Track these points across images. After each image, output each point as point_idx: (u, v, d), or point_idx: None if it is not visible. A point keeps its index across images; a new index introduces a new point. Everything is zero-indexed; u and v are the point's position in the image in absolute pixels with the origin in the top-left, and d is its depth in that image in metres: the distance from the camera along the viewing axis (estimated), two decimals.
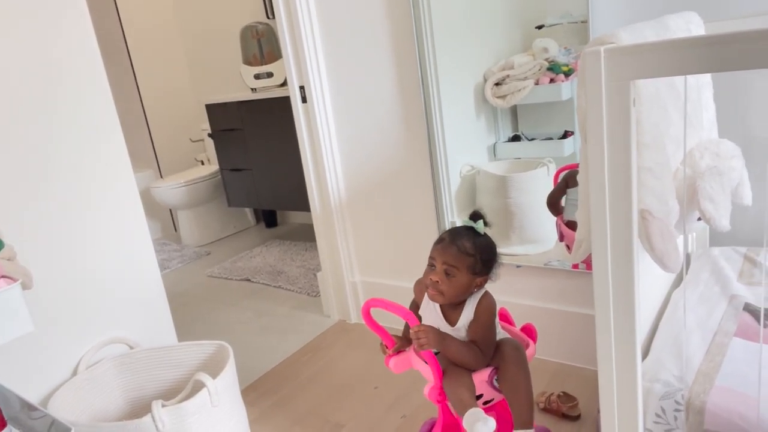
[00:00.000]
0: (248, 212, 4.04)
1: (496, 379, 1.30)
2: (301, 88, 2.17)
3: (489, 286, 1.30)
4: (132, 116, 3.90)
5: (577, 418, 1.54)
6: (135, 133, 3.98)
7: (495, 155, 2.23)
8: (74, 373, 1.44)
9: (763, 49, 0.68)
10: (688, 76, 1.11)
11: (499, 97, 2.11)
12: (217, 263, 3.33)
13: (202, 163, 4.00)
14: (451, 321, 1.30)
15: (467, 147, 2.16)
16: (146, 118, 3.93)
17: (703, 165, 0.97)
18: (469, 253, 1.23)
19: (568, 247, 1.87)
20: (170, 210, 3.99)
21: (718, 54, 0.71)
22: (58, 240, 1.43)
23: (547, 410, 1.59)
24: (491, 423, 1.17)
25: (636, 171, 0.84)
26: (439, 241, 1.27)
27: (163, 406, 1.19)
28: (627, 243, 0.86)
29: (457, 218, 2.09)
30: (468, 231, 1.26)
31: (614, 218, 0.86)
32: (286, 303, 2.65)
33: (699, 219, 1.02)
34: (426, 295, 1.32)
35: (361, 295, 2.33)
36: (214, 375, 1.29)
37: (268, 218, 3.90)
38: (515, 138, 2.25)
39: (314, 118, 2.17)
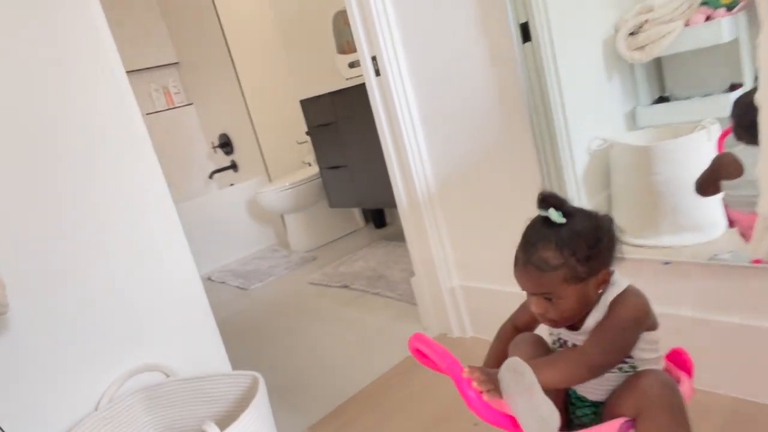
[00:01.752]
0: (356, 213, 3.79)
1: None
2: (373, 58, 1.82)
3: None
4: (240, 123, 3.86)
5: None
6: (243, 141, 3.94)
7: (635, 123, 1.75)
8: (96, 407, 1.22)
9: None
10: None
11: (636, 50, 1.63)
12: (320, 269, 3.11)
13: (309, 165, 3.83)
14: (576, 327, 0.90)
15: (596, 117, 1.71)
16: (253, 125, 3.86)
17: None
18: (555, 266, 0.83)
19: (744, 236, 1.33)
20: (281, 216, 3.89)
21: None
22: (77, 256, 1.24)
23: None
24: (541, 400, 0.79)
25: None
26: (515, 262, 0.89)
27: None
28: None
29: (587, 204, 1.61)
30: (542, 230, 0.86)
31: None
32: (382, 312, 2.31)
33: None
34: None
35: (462, 303, 1.91)
36: None
37: (377, 218, 3.61)
38: (661, 100, 1.75)
39: (390, 93, 1.81)
